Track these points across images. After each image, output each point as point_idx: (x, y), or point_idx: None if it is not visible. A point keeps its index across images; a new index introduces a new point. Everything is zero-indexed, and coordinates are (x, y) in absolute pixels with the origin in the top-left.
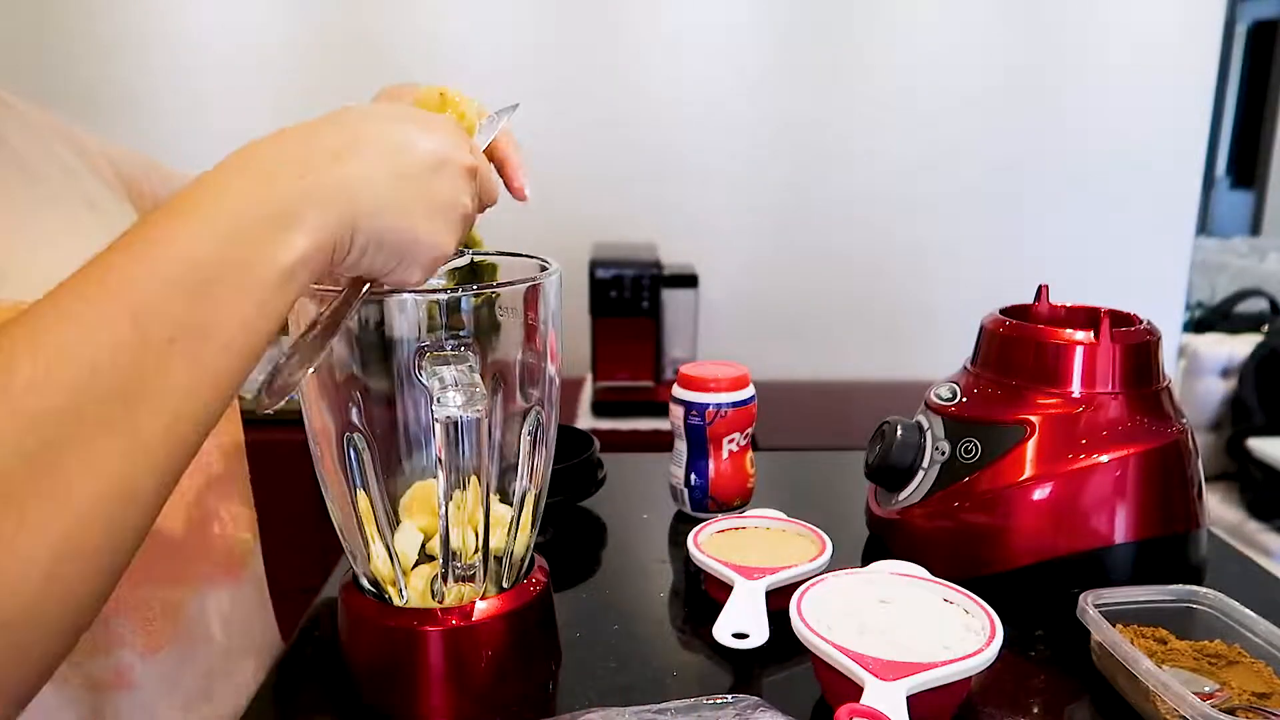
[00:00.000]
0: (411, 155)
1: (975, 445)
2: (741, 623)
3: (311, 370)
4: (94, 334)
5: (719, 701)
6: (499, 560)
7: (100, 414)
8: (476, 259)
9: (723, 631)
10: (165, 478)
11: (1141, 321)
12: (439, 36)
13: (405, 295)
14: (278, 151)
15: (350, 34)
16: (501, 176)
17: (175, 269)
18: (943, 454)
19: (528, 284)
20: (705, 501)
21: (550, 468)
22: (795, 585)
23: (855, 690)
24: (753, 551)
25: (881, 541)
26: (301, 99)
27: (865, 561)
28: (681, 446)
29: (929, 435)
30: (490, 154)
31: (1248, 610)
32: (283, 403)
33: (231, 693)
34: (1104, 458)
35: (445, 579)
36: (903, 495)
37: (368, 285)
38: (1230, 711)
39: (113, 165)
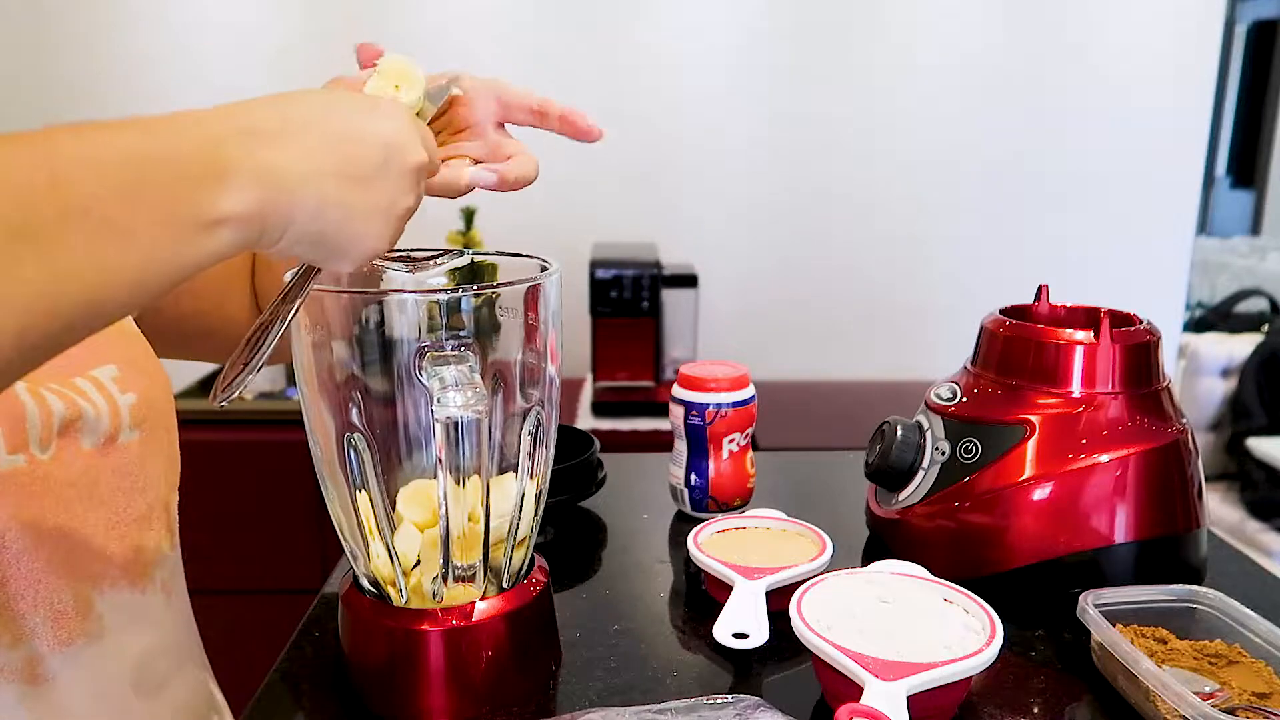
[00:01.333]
0: (359, 153)
1: (975, 445)
2: (741, 623)
3: (259, 368)
4: (10, 173)
5: (719, 701)
6: (499, 561)
7: None
8: (476, 259)
9: (723, 631)
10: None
11: (1141, 321)
12: (439, 38)
13: (405, 295)
14: (229, 117)
15: (350, 36)
16: (567, 133)
17: (113, 157)
18: (943, 454)
19: (528, 284)
20: (705, 501)
21: (550, 468)
22: (795, 585)
23: (855, 690)
24: (753, 551)
25: (881, 541)
26: None
27: (865, 561)
28: (681, 446)
29: (929, 435)
30: (541, 117)
31: (1248, 610)
32: (231, 398)
33: (159, 699)
34: (1104, 458)
35: (445, 579)
36: (903, 495)
37: (316, 271)
38: (1230, 711)
39: None
